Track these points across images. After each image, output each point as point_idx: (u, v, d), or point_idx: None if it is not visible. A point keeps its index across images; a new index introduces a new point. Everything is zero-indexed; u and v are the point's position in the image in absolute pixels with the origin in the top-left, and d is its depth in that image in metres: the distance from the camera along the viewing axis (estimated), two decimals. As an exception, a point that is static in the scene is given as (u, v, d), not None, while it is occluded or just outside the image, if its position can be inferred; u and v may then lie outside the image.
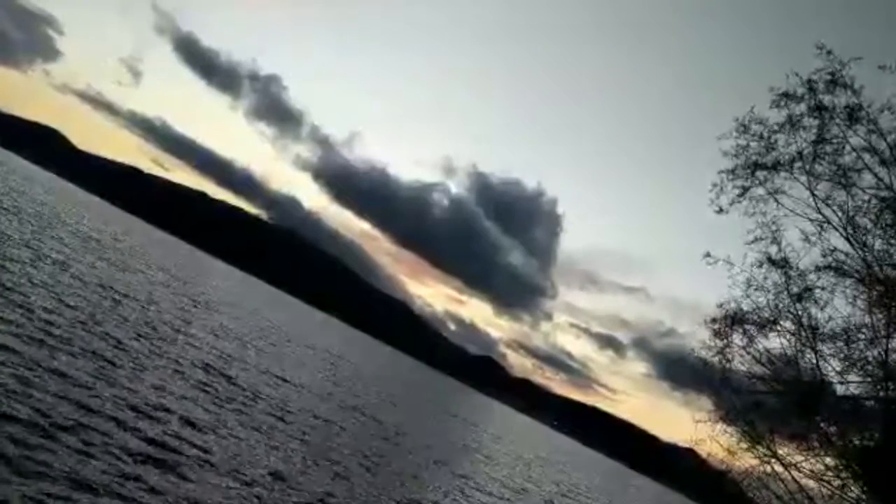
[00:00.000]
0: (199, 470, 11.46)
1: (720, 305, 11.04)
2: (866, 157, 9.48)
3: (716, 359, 11.01)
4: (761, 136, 10.37)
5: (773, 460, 10.57)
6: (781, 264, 10.31)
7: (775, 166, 10.27)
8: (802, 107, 9.92)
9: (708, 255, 10.74)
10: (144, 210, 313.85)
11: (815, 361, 10.09)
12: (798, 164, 10.08)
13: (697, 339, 11.39)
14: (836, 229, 9.72)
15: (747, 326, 10.75)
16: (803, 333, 10.17)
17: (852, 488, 9.63)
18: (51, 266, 24.52)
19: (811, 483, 10.11)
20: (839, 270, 9.74)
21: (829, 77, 9.57)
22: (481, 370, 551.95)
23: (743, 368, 10.95)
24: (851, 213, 9.63)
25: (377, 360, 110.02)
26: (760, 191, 10.44)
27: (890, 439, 9.32)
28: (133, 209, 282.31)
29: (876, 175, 9.41)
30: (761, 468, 10.72)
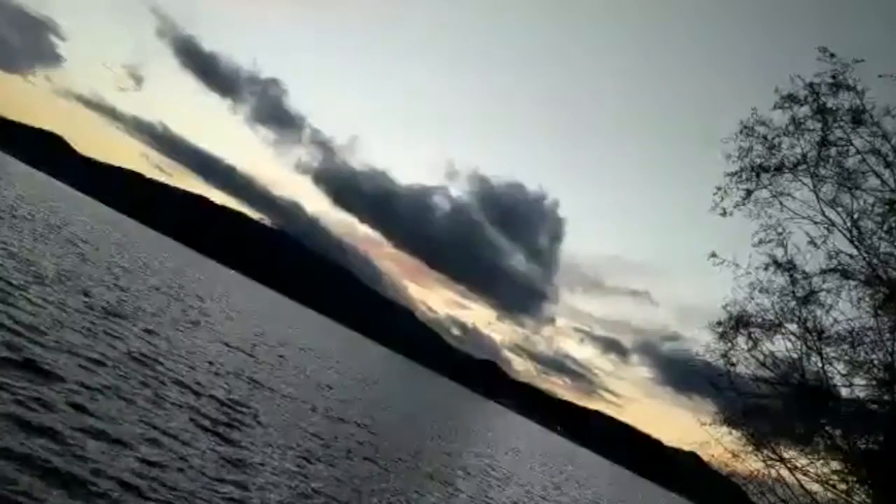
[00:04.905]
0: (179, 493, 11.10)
1: (725, 307, 11.03)
2: (871, 159, 9.47)
3: (720, 362, 10.99)
4: (765, 139, 10.37)
5: (777, 464, 10.54)
6: (787, 267, 10.28)
7: (780, 169, 10.26)
8: (806, 109, 9.92)
9: (714, 255, 10.72)
10: (146, 215, 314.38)
11: (820, 364, 10.06)
12: (802, 166, 10.07)
13: (702, 342, 11.37)
14: (841, 232, 9.70)
15: (752, 329, 10.72)
16: (808, 336, 10.14)
17: (858, 492, 9.58)
18: (48, 272, 24.53)
19: (816, 487, 10.08)
20: (844, 273, 9.71)
21: (831, 80, 9.56)
22: (484, 375, 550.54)
23: (747, 371, 10.92)
24: (856, 216, 9.61)
25: (378, 365, 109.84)
26: (765, 193, 10.44)
27: (895, 443, 9.28)
28: (135, 214, 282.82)
29: (880, 177, 9.39)
30: (766, 472, 10.70)
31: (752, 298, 10.66)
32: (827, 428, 10.17)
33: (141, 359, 17.95)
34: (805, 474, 10.21)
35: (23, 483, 8.50)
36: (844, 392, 10.09)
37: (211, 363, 22.83)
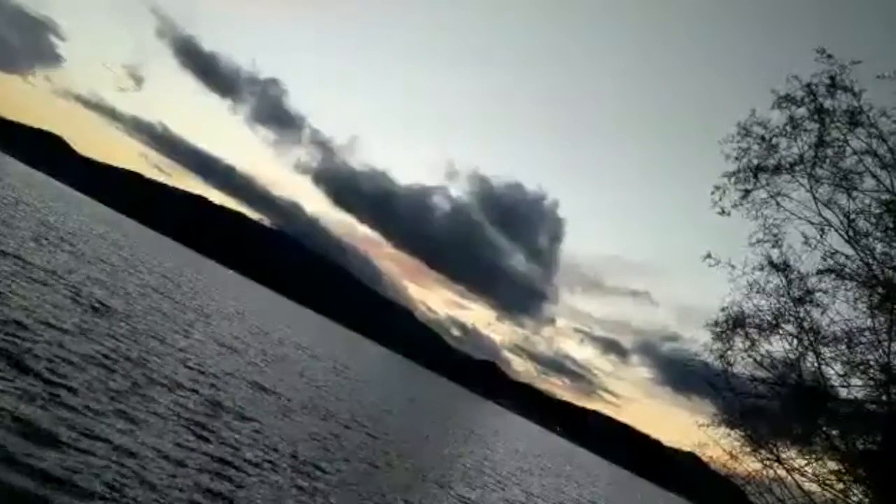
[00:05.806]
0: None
1: (723, 309, 11.03)
2: (867, 160, 9.49)
3: (718, 362, 10.99)
4: (763, 139, 10.37)
5: (775, 464, 10.54)
6: (782, 268, 10.30)
7: (777, 169, 10.28)
8: (803, 110, 9.93)
9: (709, 255, 10.75)
10: (146, 215, 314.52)
11: (817, 365, 10.07)
12: (799, 167, 10.08)
13: (701, 343, 11.37)
14: (838, 232, 9.72)
15: (749, 330, 10.73)
16: (805, 337, 10.15)
17: (855, 492, 9.59)
18: (45, 275, 24.51)
19: (814, 487, 10.08)
20: (840, 273, 9.73)
21: (828, 81, 9.57)
22: (484, 375, 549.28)
23: (745, 372, 10.92)
24: (852, 216, 9.62)
25: (377, 365, 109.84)
26: (762, 194, 10.46)
27: (893, 443, 9.28)
28: (134, 214, 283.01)
29: (877, 178, 9.41)
30: (764, 472, 10.69)
31: (750, 299, 10.68)
32: (824, 428, 10.17)
33: (136, 359, 17.93)
34: (803, 475, 10.22)
35: (7, 482, 8.45)
36: (841, 392, 10.09)
37: (207, 363, 22.82)
